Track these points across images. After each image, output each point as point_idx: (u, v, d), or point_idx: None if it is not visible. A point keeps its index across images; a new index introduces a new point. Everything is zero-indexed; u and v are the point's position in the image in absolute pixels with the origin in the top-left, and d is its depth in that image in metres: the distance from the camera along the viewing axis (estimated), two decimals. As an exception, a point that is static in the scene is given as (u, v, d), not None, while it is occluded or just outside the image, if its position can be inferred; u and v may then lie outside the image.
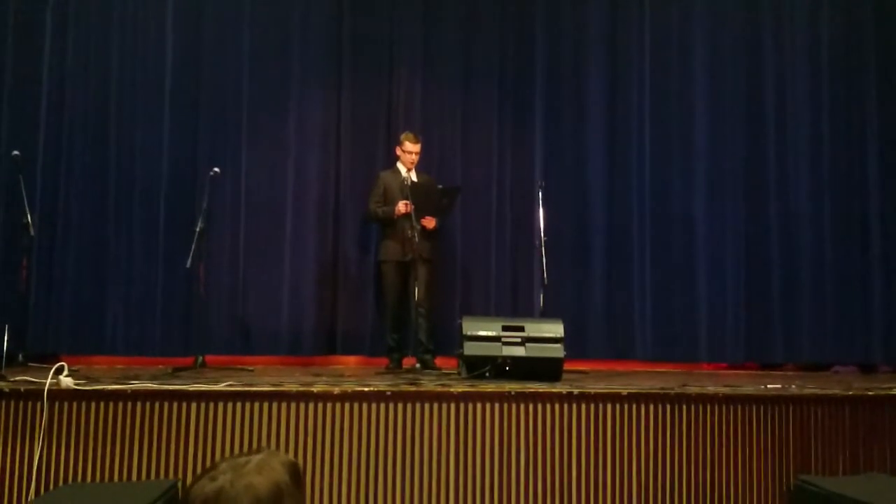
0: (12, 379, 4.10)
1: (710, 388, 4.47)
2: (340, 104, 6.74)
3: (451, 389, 4.23)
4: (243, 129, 6.54)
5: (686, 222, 6.89)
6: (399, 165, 6.13)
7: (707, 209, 6.89)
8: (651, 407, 4.25)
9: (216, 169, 5.71)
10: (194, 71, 6.54)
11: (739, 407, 4.33)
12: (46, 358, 5.25)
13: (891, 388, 4.63)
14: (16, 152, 5.42)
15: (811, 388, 4.65)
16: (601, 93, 6.99)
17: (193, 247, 5.38)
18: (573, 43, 7.03)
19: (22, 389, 3.90)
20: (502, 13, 6.96)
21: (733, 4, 7.11)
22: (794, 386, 4.74)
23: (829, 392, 4.54)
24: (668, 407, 4.26)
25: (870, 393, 4.54)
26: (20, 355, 5.23)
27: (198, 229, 5.44)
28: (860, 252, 6.94)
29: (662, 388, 4.38)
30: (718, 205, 6.91)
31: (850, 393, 4.52)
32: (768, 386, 4.64)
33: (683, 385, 4.62)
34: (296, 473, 1.52)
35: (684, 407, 4.27)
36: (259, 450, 1.56)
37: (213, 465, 1.51)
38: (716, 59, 7.06)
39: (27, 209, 5.34)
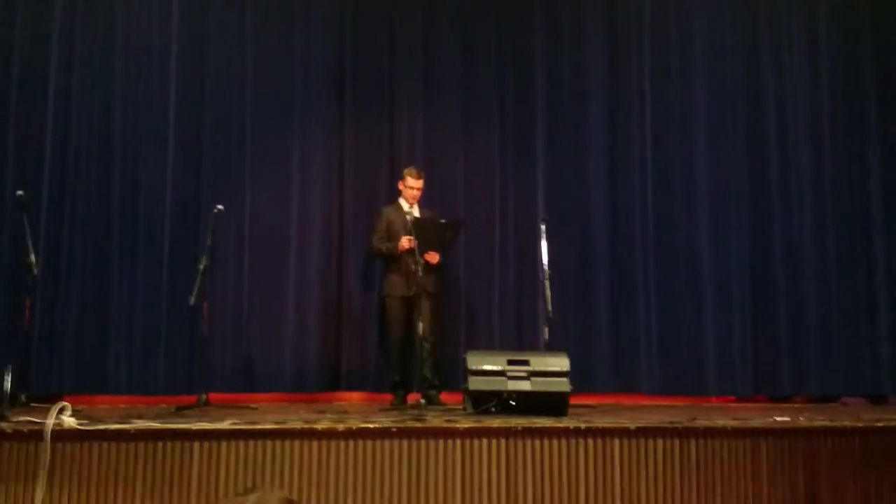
0: (15, 419, 4.07)
1: (719, 422, 4.43)
2: (343, 140, 6.77)
3: (457, 425, 4.20)
4: (247, 166, 6.57)
5: (690, 254, 6.88)
6: (401, 201, 6.15)
7: (711, 240, 6.88)
8: (660, 441, 4.20)
9: (220, 206, 5.72)
10: (197, 109, 6.57)
11: (749, 440, 4.29)
12: (49, 398, 5.19)
13: (901, 420, 4.59)
14: (20, 192, 5.42)
15: (820, 420, 4.62)
16: (602, 125, 7.02)
17: (197, 284, 5.37)
18: (573, 76, 7.08)
19: (25, 430, 3.88)
20: (502, 48, 7.02)
21: (732, 33, 7.16)
22: (802, 418, 4.69)
23: (839, 424, 4.50)
24: (677, 441, 4.21)
25: (879, 424, 4.49)
26: (23, 396, 5.20)
27: (201, 266, 5.43)
28: (866, 282, 6.92)
29: (671, 422, 4.34)
30: (722, 236, 6.90)
31: (860, 424, 4.48)
32: (777, 418, 4.60)
33: (692, 419, 4.57)
34: None
35: (693, 441, 4.23)
36: (254, 488, 1.55)
37: None
38: (716, 88, 7.09)
39: (31, 248, 5.33)
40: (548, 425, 4.22)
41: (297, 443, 4.04)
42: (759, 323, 6.81)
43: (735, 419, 4.59)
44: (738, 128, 7.05)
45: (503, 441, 4.14)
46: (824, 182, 7.02)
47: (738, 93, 7.10)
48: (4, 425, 3.94)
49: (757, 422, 4.48)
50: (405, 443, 4.10)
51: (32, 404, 5.07)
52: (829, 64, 7.17)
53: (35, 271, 5.38)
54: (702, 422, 4.43)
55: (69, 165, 6.31)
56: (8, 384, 4.60)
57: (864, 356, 6.80)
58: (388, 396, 5.99)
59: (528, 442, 4.14)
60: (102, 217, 6.31)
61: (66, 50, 6.43)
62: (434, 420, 4.48)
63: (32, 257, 5.32)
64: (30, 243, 5.32)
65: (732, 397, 6.73)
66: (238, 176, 6.54)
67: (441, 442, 4.12)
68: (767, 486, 4.28)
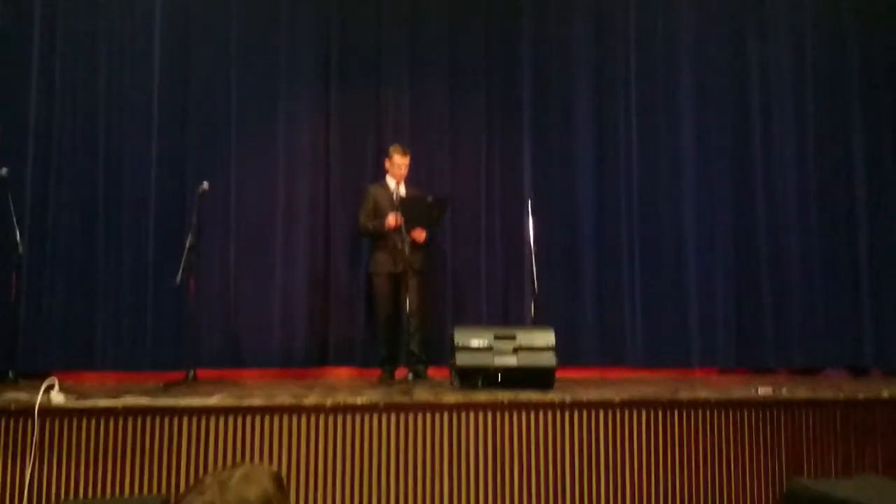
0: (3, 397, 4.08)
1: (702, 394, 4.49)
2: (329, 118, 6.74)
3: (444, 400, 4.24)
4: (232, 143, 6.53)
5: (675, 229, 6.92)
6: (388, 178, 6.16)
7: (696, 215, 6.93)
8: (644, 414, 4.27)
9: (205, 183, 5.71)
10: (182, 86, 6.52)
11: (731, 412, 4.36)
12: (37, 375, 5.20)
13: (881, 392, 4.66)
14: (4, 170, 5.41)
15: (802, 392, 4.68)
16: (588, 103, 7.02)
17: (183, 261, 5.36)
18: (560, 54, 7.06)
19: (13, 407, 3.89)
20: (489, 26, 6.99)
21: (719, 12, 7.16)
22: (785, 390, 4.75)
23: (821, 396, 4.58)
24: (661, 413, 4.28)
25: (860, 396, 4.56)
26: (10, 373, 5.20)
27: (188, 244, 5.43)
28: (849, 256, 6.99)
29: (655, 395, 4.40)
30: (707, 211, 6.94)
31: (842, 396, 4.55)
32: (760, 390, 4.66)
33: (675, 391, 4.63)
34: (279, 482, 1.55)
35: (677, 413, 4.29)
36: (241, 464, 1.58)
37: (199, 481, 1.53)
38: (701, 68, 7.11)
39: (16, 226, 5.32)
40: (534, 399, 4.27)
41: (285, 418, 4.08)
42: (743, 296, 6.87)
43: (718, 392, 4.65)
44: (724, 106, 7.08)
45: (490, 415, 4.19)
46: (808, 157, 7.08)
47: (723, 72, 7.12)
48: (-7, 402, 3.95)
49: (739, 394, 4.54)
50: (393, 417, 4.14)
51: (20, 381, 5.08)
52: (814, 39, 7.20)
53: (20, 249, 5.38)
54: (685, 394, 4.49)
55: (53, 143, 6.27)
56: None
57: (847, 329, 6.89)
58: (376, 372, 6.02)
59: (515, 415, 4.19)
60: (88, 194, 6.27)
61: (49, 26, 6.37)
62: (421, 395, 4.52)
63: (18, 235, 5.33)
64: (15, 221, 5.32)
65: (715, 369, 6.80)
66: (224, 153, 6.51)
67: (428, 416, 4.17)
68: (750, 456, 4.35)
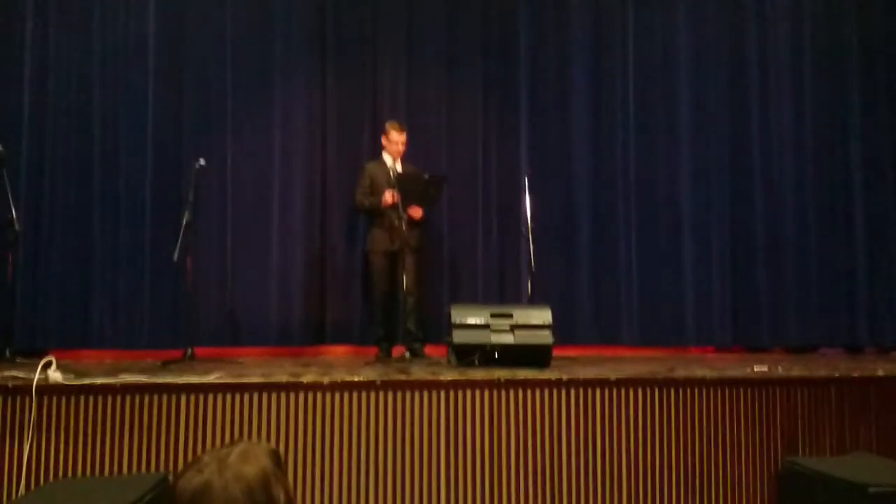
0: (0, 375, 4.08)
1: (698, 373, 4.51)
2: (325, 94, 6.71)
3: (441, 378, 4.25)
4: (228, 120, 6.50)
5: (672, 208, 6.93)
6: (385, 155, 6.14)
7: (692, 194, 6.94)
8: (640, 392, 4.28)
9: (202, 160, 5.67)
10: (177, 62, 6.48)
11: (727, 390, 4.37)
12: (34, 353, 5.21)
13: (876, 370, 4.69)
14: (-1, 148, 5.39)
15: (798, 371, 4.70)
16: (585, 80, 7.01)
17: (180, 239, 5.34)
18: (557, 31, 7.04)
19: (10, 385, 3.88)
20: (485, 4, 6.95)
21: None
22: (780, 368, 4.78)
23: (816, 374, 4.59)
24: (657, 392, 4.29)
25: (855, 374, 4.59)
26: (7, 351, 5.19)
27: (184, 222, 5.41)
28: (844, 234, 7.03)
29: (651, 373, 4.42)
30: (703, 190, 6.96)
31: (836, 375, 4.58)
32: (755, 369, 4.68)
33: (671, 369, 4.65)
34: (277, 459, 1.56)
35: (672, 391, 4.31)
36: (239, 441, 1.59)
37: (197, 459, 1.54)
38: (700, 42, 7.12)
39: (11, 204, 5.30)
40: (530, 377, 4.28)
41: (282, 396, 4.08)
42: (738, 274, 6.91)
43: (713, 370, 4.67)
44: (721, 82, 7.09)
45: (487, 393, 4.20)
46: (805, 135, 7.09)
47: (721, 47, 7.12)
48: (-10, 380, 3.95)
49: (735, 372, 4.56)
50: (390, 395, 4.15)
51: (18, 360, 5.07)
52: (811, 19, 7.18)
53: (17, 227, 5.36)
54: (680, 372, 4.52)
55: (48, 120, 6.23)
56: (-8, 340, 4.60)
57: (842, 307, 6.93)
58: (373, 350, 6.03)
59: (512, 393, 4.20)
60: (83, 172, 6.24)
61: (43, 3, 6.31)
62: (418, 373, 4.53)
63: (14, 213, 5.30)
64: (10, 199, 5.30)
65: (711, 348, 6.83)
66: (219, 130, 6.48)
67: (425, 394, 4.17)
68: (745, 435, 4.37)
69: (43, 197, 6.16)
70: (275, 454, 1.58)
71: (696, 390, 4.33)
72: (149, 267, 6.21)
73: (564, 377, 4.27)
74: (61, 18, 6.33)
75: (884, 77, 7.18)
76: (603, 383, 4.27)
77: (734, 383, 4.40)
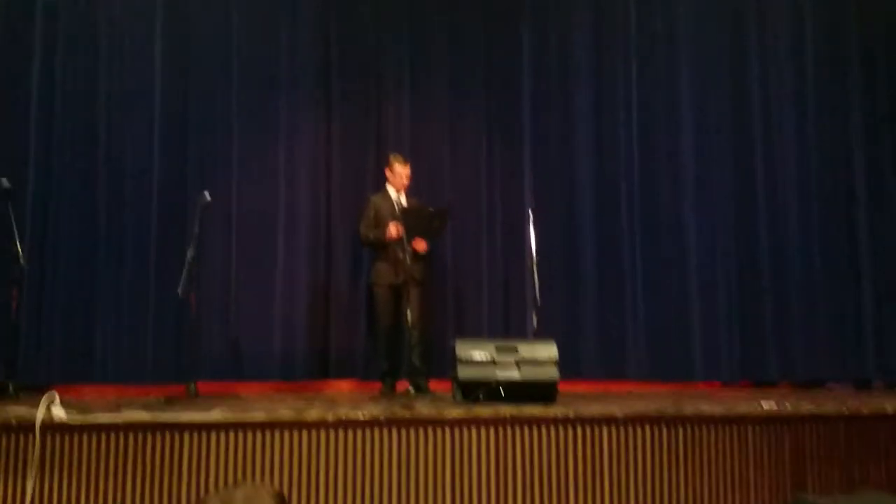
0: (3, 411, 4.05)
1: (706, 409, 4.46)
2: (330, 127, 6.74)
3: (446, 415, 4.22)
4: (233, 153, 6.52)
5: (677, 241, 6.92)
6: (389, 188, 6.15)
7: (697, 228, 6.93)
8: (647, 429, 4.25)
9: (206, 194, 5.68)
10: (183, 96, 6.52)
11: (735, 427, 4.34)
12: (37, 388, 5.18)
13: (885, 407, 4.64)
14: (5, 181, 5.39)
15: (806, 407, 4.65)
16: (588, 112, 7.03)
17: (185, 273, 5.35)
18: (560, 62, 7.08)
19: (14, 422, 3.86)
20: (489, 36, 6.99)
21: (718, 18, 7.18)
22: (788, 404, 4.73)
23: (824, 410, 4.55)
24: (665, 429, 4.26)
25: (864, 411, 4.55)
26: (11, 386, 5.17)
27: (189, 255, 5.42)
28: (851, 267, 6.99)
29: (658, 411, 4.38)
30: (709, 223, 6.94)
31: (845, 411, 4.53)
32: (763, 405, 4.64)
33: (678, 406, 4.61)
34: (282, 502, 1.54)
35: (680, 428, 4.27)
36: (244, 481, 1.57)
37: (202, 501, 1.52)
38: (701, 76, 7.14)
39: (17, 239, 5.30)
40: (537, 414, 4.25)
41: (286, 433, 4.05)
42: (745, 309, 6.87)
43: (721, 406, 4.62)
44: (724, 115, 7.11)
45: (492, 430, 4.17)
46: (809, 168, 7.08)
47: (723, 82, 7.14)
48: (-7, 417, 3.93)
49: (743, 408, 4.52)
50: (394, 432, 4.12)
51: (21, 395, 5.05)
52: (814, 42, 7.21)
53: (22, 261, 5.36)
54: (688, 409, 4.47)
55: (54, 154, 6.25)
56: (-4, 375, 4.58)
57: (849, 342, 6.88)
58: (377, 384, 6.01)
59: (518, 430, 4.17)
60: (89, 206, 6.25)
61: (50, 37, 6.35)
62: (423, 409, 4.48)
63: (19, 247, 5.30)
64: (16, 233, 5.30)
65: (718, 383, 6.78)
66: (224, 164, 6.50)
67: (430, 431, 4.14)
68: (754, 472, 4.33)
69: (48, 231, 6.17)
70: (280, 497, 1.56)
71: (704, 427, 4.30)
72: (153, 300, 6.20)
73: (571, 414, 4.23)
74: (67, 52, 6.37)
75: (887, 103, 7.17)
76: (610, 420, 4.23)
77: (742, 420, 4.36)
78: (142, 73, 6.46)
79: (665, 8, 7.18)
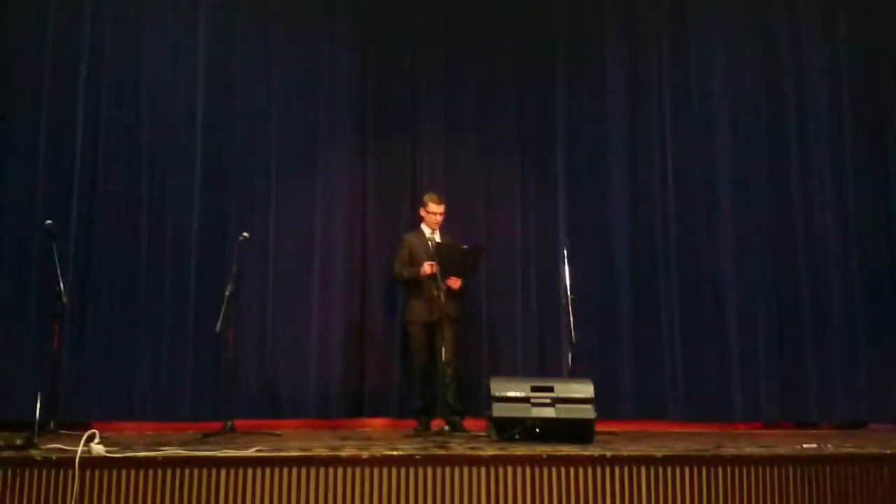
0: (44, 447, 4.11)
1: (746, 450, 4.40)
2: (365, 167, 6.82)
3: (482, 453, 4.20)
4: (272, 192, 6.62)
5: (714, 279, 6.86)
6: (423, 227, 6.19)
7: (735, 265, 6.86)
8: (686, 470, 4.18)
9: (245, 234, 5.79)
10: (223, 137, 6.63)
11: (776, 468, 4.26)
12: (77, 425, 5.26)
13: (930, 447, 4.54)
14: (49, 221, 5.52)
15: (848, 448, 4.57)
16: (622, 152, 7.03)
17: (223, 311, 5.42)
18: (594, 102, 7.10)
19: (54, 457, 3.91)
20: (523, 74, 7.05)
21: (752, 60, 7.18)
22: (830, 445, 4.65)
23: (867, 451, 4.46)
24: (704, 469, 4.19)
25: (908, 452, 4.45)
26: (52, 423, 5.24)
27: (227, 293, 5.49)
28: (892, 306, 6.86)
29: (697, 451, 4.32)
30: (746, 261, 6.88)
31: (889, 452, 4.44)
32: (804, 446, 4.56)
33: (718, 446, 4.55)
34: None
35: (720, 469, 4.20)
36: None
37: None
38: (737, 113, 7.13)
39: (60, 277, 5.41)
40: (573, 453, 4.21)
41: (321, 470, 4.06)
42: (785, 349, 6.76)
43: (762, 447, 4.56)
44: (761, 151, 7.07)
45: (528, 469, 4.13)
46: (847, 205, 7.01)
47: (760, 117, 7.12)
48: (34, 453, 3.98)
49: (784, 449, 4.45)
50: (429, 470, 4.11)
51: (61, 431, 5.11)
52: (850, 89, 7.16)
53: (64, 299, 5.46)
54: (728, 450, 4.41)
55: (97, 194, 6.37)
56: (38, 412, 4.64)
57: (891, 382, 6.73)
58: (412, 422, 6.00)
59: (554, 470, 4.13)
60: (130, 245, 6.36)
61: (94, 79, 6.51)
62: (458, 447, 4.48)
63: (61, 285, 5.41)
64: (58, 272, 5.41)
65: (758, 424, 6.66)
66: (263, 203, 6.60)
67: (465, 469, 4.12)
68: (795, 514, 4.24)
69: (90, 270, 6.27)
70: None
71: (745, 468, 4.22)
72: (191, 338, 6.26)
73: (608, 454, 4.19)
74: (111, 97, 6.51)
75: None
76: (648, 461, 4.18)
77: (783, 461, 4.28)
78: (184, 116, 6.59)
79: (699, 52, 7.19)
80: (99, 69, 6.54)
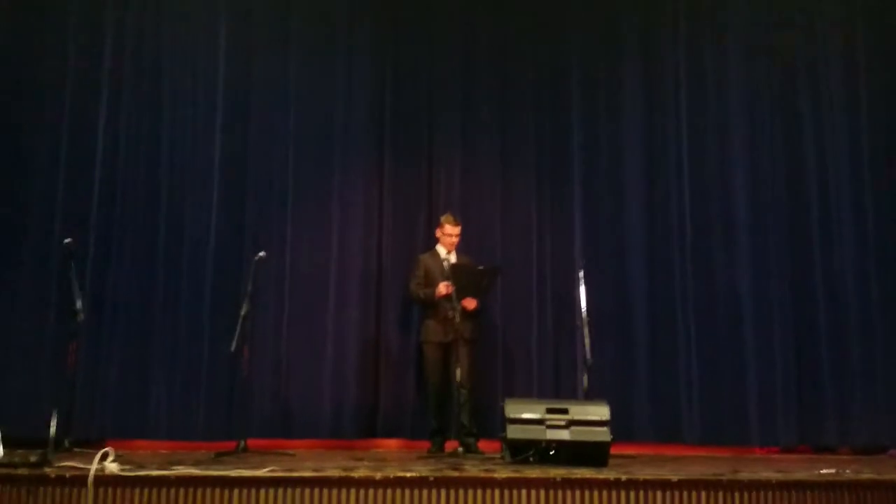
0: (58, 465, 4.12)
1: (763, 475, 4.34)
2: (382, 187, 6.84)
3: (496, 475, 4.17)
4: (288, 211, 6.67)
5: (731, 300, 6.80)
6: (439, 247, 6.20)
7: (752, 287, 6.80)
8: (703, 494, 4.12)
9: (262, 253, 5.81)
10: (241, 156, 6.70)
11: (794, 493, 4.19)
12: (91, 443, 5.28)
13: (951, 474, 4.46)
14: (68, 240, 5.57)
15: (867, 473, 4.50)
16: (639, 170, 7.02)
17: (238, 330, 5.43)
18: (609, 121, 7.09)
19: (67, 475, 3.92)
20: (538, 93, 7.07)
21: (769, 74, 7.14)
22: (848, 471, 4.58)
23: (886, 477, 4.39)
24: (720, 494, 4.13)
25: (929, 478, 4.37)
26: (66, 441, 5.25)
27: (242, 312, 5.51)
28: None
29: (714, 475, 4.27)
30: (764, 283, 6.81)
31: (909, 478, 4.37)
32: (822, 471, 4.50)
33: (735, 471, 4.49)
34: None
35: (736, 494, 4.14)
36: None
37: None
38: (754, 131, 7.07)
39: (77, 295, 5.45)
40: (588, 476, 4.17)
41: (334, 491, 4.04)
42: (803, 371, 6.68)
43: (779, 471, 4.50)
44: (778, 172, 7.00)
45: (542, 492, 4.09)
46: (867, 227, 6.93)
47: (776, 136, 7.06)
48: (48, 471, 3.99)
49: (802, 474, 4.38)
50: (443, 492, 4.08)
51: (75, 449, 5.12)
52: (869, 112, 7.10)
53: (81, 317, 5.49)
54: (745, 474, 4.35)
55: (115, 213, 6.46)
56: (53, 429, 4.65)
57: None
58: (426, 443, 5.98)
59: (569, 493, 4.09)
60: (146, 264, 6.42)
61: (114, 100, 6.62)
62: (472, 469, 4.44)
63: (79, 303, 5.44)
64: (76, 290, 5.45)
65: (776, 448, 6.58)
66: (279, 222, 6.64)
67: (479, 492, 4.09)
68: (813, 540, 4.17)
69: (106, 288, 6.33)
70: None
71: (762, 493, 4.15)
72: (206, 357, 6.29)
73: (623, 477, 4.14)
74: (131, 115, 6.63)
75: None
76: (665, 485, 4.13)
77: (801, 486, 4.22)
78: (203, 135, 6.68)
79: (717, 71, 7.17)
80: (119, 88, 6.64)
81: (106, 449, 4.07)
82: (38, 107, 6.54)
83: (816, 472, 4.49)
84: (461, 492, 4.08)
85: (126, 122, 6.61)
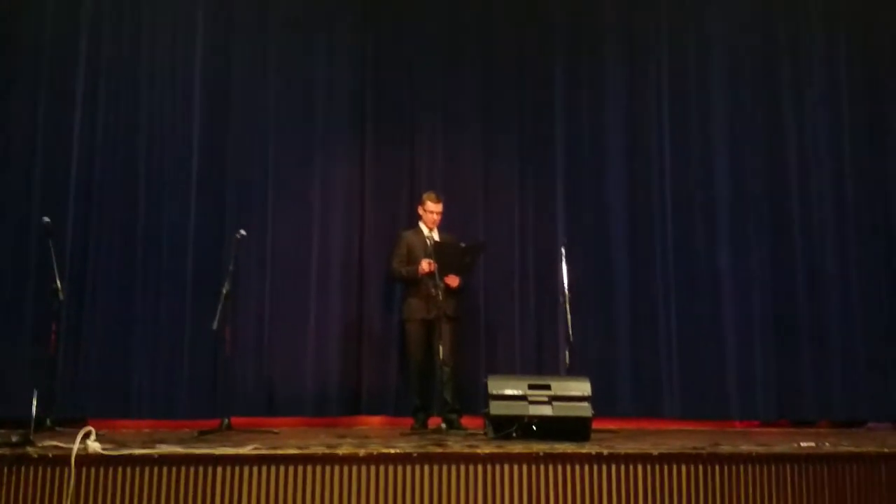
0: (40, 444, 4.11)
1: (743, 448, 4.39)
2: (364, 165, 6.82)
3: (479, 451, 4.19)
4: (269, 190, 6.62)
5: (711, 277, 6.86)
6: (421, 225, 6.19)
7: (733, 263, 6.87)
8: (683, 467, 4.17)
9: (242, 231, 5.78)
10: (221, 135, 6.64)
11: (773, 466, 4.25)
12: (73, 422, 5.26)
13: (928, 446, 4.53)
14: (46, 219, 5.52)
15: (846, 446, 4.56)
16: (621, 149, 7.04)
17: (220, 309, 5.41)
18: (592, 100, 7.11)
19: (50, 455, 3.90)
20: (522, 74, 7.06)
21: (751, 56, 7.19)
22: (828, 444, 4.64)
23: (865, 450, 4.45)
24: (701, 467, 4.18)
25: (906, 450, 4.44)
26: (48, 420, 5.24)
27: (224, 291, 5.49)
28: (891, 304, 6.87)
29: (694, 448, 4.31)
30: (744, 258, 6.88)
31: (886, 450, 4.43)
32: (802, 444, 4.55)
33: (715, 444, 4.54)
34: None
35: (717, 467, 4.19)
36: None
37: None
38: (735, 110, 7.14)
39: (56, 275, 5.41)
40: (570, 451, 4.20)
41: (318, 468, 4.04)
42: (782, 346, 6.76)
43: (759, 445, 4.55)
44: (758, 148, 7.08)
45: (525, 467, 4.12)
46: (846, 202, 7.02)
47: (756, 113, 7.13)
48: (30, 450, 3.97)
49: (781, 448, 4.44)
50: (426, 468, 4.09)
51: (57, 429, 5.11)
52: (849, 91, 7.17)
53: (61, 297, 5.46)
54: (725, 448, 4.40)
55: (94, 193, 6.39)
56: (34, 409, 4.63)
57: (890, 380, 6.74)
58: (409, 420, 6.00)
59: (550, 467, 4.12)
60: (126, 243, 6.37)
61: (92, 78, 6.53)
62: (455, 445, 4.47)
63: (58, 283, 5.40)
64: (55, 269, 5.41)
65: (756, 422, 6.67)
66: (260, 201, 6.60)
67: (462, 467, 4.11)
68: (792, 512, 4.23)
69: (87, 267, 6.28)
70: None
71: (742, 466, 4.21)
72: (188, 337, 6.27)
73: (605, 452, 4.18)
74: (108, 93, 6.54)
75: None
76: (645, 458, 4.17)
77: (781, 459, 4.27)
78: (180, 113, 6.61)
79: (699, 54, 7.20)
80: (97, 69, 6.55)
81: (88, 428, 4.04)
82: (15, 89, 6.44)
83: (796, 445, 4.55)
84: (444, 467, 4.10)
85: (104, 104, 6.52)
